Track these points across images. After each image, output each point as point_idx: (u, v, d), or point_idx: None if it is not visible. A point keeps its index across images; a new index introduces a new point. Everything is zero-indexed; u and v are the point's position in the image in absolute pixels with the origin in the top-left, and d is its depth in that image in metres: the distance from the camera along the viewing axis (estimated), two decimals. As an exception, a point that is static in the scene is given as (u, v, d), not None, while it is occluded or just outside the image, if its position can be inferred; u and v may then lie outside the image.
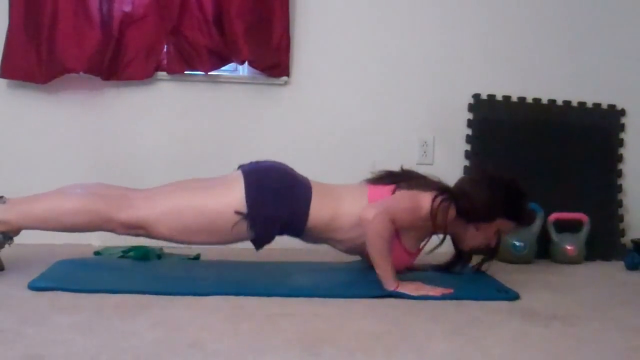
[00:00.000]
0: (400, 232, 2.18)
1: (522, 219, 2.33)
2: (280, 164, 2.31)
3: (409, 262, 2.28)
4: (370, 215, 2.10)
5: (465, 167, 3.08)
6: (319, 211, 2.19)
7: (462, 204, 2.19)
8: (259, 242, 2.22)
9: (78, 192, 2.21)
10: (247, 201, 2.13)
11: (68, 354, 1.48)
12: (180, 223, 2.15)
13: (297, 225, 2.20)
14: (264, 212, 2.15)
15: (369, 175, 2.35)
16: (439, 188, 2.23)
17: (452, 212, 2.18)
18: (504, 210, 2.23)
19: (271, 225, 2.18)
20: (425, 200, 2.17)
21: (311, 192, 2.20)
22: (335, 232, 2.23)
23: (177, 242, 2.23)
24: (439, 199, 2.16)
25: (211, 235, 2.18)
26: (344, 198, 2.23)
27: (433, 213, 2.15)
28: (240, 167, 2.30)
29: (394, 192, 2.23)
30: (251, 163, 2.32)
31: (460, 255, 2.39)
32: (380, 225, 2.10)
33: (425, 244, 2.32)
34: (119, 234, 2.23)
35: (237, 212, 2.13)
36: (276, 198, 2.16)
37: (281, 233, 2.24)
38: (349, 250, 2.33)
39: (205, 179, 2.28)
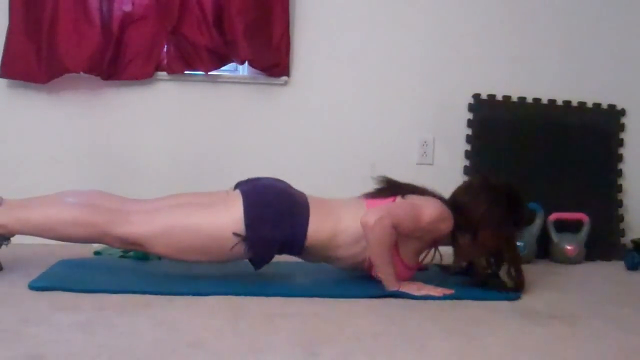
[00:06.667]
0: (399, 245, 2.15)
1: (521, 223, 2.31)
2: (278, 181, 2.26)
3: (408, 277, 2.21)
4: (372, 220, 2.07)
5: (465, 167, 3.08)
6: (317, 230, 2.14)
7: (461, 215, 2.19)
8: (258, 262, 2.18)
9: (76, 202, 2.17)
10: (246, 223, 2.08)
11: (68, 354, 1.48)
12: (175, 243, 2.10)
13: (296, 245, 2.15)
14: (263, 233, 2.10)
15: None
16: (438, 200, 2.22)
17: (450, 223, 2.17)
18: (504, 218, 2.20)
19: (270, 247, 2.14)
20: (426, 209, 2.15)
21: (309, 212, 2.15)
22: (334, 250, 2.19)
23: (173, 259, 2.18)
24: (443, 208, 2.16)
25: (207, 255, 2.14)
26: (342, 215, 2.19)
27: (436, 221, 2.14)
28: (239, 185, 2.25)
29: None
30: (249, 181, 2.27)
31: (469, 271, 2.34)
32: (381, 231, 2.07)
33: (424, 258, 2.30)
34: (114, 247, 2.21)
35: (236, 234, 2.08)
36: (275, 219, 2.11)
37: (280, 252, 2.19)
38: (349, 268, 2.28)
39: (204, 195, 2.23)
